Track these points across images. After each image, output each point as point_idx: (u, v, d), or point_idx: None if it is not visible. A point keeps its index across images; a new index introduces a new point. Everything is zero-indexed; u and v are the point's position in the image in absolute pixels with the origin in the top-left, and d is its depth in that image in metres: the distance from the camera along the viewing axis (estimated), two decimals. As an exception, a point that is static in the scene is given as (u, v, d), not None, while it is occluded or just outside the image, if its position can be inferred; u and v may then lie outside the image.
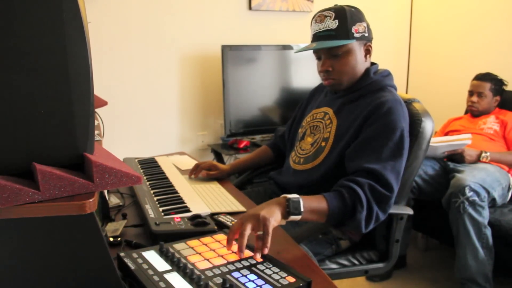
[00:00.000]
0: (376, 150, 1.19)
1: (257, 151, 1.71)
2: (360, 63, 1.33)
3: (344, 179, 1.18)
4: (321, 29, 1.29)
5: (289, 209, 1.02)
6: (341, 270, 1.31)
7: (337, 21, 1.27)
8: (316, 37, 1.32)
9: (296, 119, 1.60)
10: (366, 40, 1.33)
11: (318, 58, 1.36)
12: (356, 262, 1.35)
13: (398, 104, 1.25)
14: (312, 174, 1.34)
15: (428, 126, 1.34)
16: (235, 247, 0.91)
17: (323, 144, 1.34)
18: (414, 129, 1.31)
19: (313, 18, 1.34)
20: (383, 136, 1.20)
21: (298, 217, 1.04)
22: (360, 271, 1.36)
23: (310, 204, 1.07)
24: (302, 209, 1.04)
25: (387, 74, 1.37)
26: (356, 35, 1.28)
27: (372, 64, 1.39)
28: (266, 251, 0.89)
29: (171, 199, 1.24)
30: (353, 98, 1.34)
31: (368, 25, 1.33)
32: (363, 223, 1.13)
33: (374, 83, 1.32)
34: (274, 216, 0.97)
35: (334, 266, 1.30)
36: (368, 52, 1.34)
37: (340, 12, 1.28)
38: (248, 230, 0.92)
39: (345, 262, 1.33)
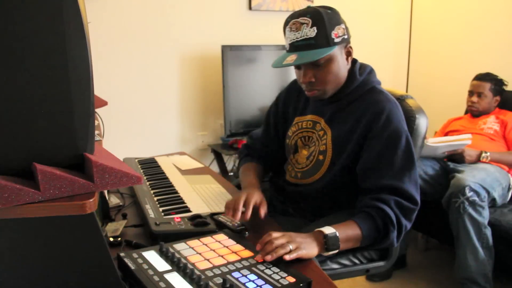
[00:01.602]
0: (388, 163, 1.17)
1: (255, 171, 1.43)
2: (342, 68, 1.24)
3: (368, 197, 1.16)
4: (299, 38, 1.17)
5: (327, 245, 1.03)
6: (342, 270, 1.31)
7: (315, 28, 1.15)
8: (294, 46, 1.19)
9: (277, 126, 1.46)
10: (346, 42, 1.23)
11: (298, 68, 1.25)
12: (357, 261, 1.35)
13: (394, 107, 1.22)
14: (312, 188, 1.30)
15: (422, 122, 1.33)
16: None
17: (320, 157, 1.28)
18: (408, 127, 1.30)
19: (286, 24, 1.21)
20: (391, 147, 1.18)
21: (335, 251, 1.06)
22: (361, 270, 1.36)
23: (345, 235, 1.07)
24: (339, 244, 1.05)
25: (370, 70, 1.30)
26: (336, 40, 1.18)
27: (353, 61, 1.29)
28: (270, 258, 0.89)
29: (171, 199, 1.24)
30: (343, 105, 1.28)
31: (345, 25, 1.22)
32: (395, 240, 1.15)
33: (362, 84, 1.27)
34: (309, 252, 0.98)
35: (335, 266, 1.30)
36: (349, 54, 1.25)
37: (316, 17, 1.16)
38: (280, 243, 0.93)
39: (346, 262, 1.33)
